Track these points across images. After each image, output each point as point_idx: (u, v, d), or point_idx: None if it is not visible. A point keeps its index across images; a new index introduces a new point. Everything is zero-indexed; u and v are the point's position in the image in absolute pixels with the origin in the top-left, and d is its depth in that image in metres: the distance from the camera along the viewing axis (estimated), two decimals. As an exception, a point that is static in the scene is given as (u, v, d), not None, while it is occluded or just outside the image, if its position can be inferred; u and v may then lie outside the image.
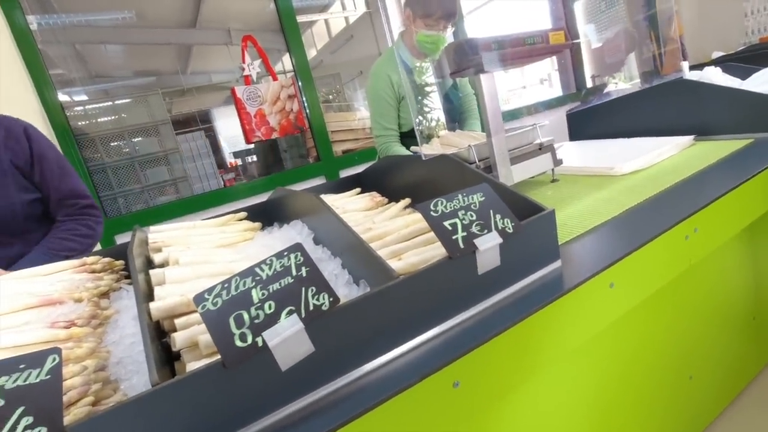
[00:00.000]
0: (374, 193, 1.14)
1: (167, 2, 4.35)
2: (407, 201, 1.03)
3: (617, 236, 0.94)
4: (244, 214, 1.16)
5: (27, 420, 0.43)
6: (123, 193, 2.41)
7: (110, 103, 2.39)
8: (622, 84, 1.69)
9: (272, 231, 1.00)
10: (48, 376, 0.46)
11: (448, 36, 1.74)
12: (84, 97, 2.99)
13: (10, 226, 1.18)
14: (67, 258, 1.20)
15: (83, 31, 3.53)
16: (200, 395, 0.51)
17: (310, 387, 0.59)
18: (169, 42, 5.27)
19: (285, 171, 2.90)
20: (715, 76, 1.50)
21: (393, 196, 1.17)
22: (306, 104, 2.69)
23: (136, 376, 0.64)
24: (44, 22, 2.49)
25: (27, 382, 0.45)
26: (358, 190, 1.22)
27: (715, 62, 2.29)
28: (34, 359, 0.47)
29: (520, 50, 1.08)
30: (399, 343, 0.66)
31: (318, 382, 0.60)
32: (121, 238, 2.31)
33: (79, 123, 2.31)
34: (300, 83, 2.67)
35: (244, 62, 2.49)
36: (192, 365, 0.57)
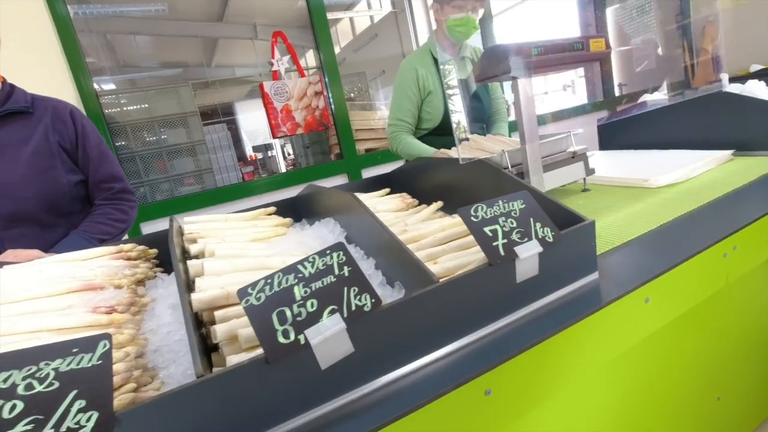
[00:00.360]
0: (405, 195, 1.14)
1: (198, -6, 4.41)
2: (439, 204, 1.02)
3: (654, 251, 0.92)
4: (273, 209, 1.16)
5: (80, 403, 0.44)
6: (149, 182, 2.45)
7: (142, 92, 2.43)
8: (658, 95, 1.65)
9: (304, 227, 1.00)
10: (99, 362, 0.47)
11: (478, 17, 1.75)
12: (112, 86, 3.05)
13: (58, 207, 1.22)
14: (102, 242, 1.22)
15: (114, 21, 3.60)
16: (242, 388, 0.52)
17: (346, 388, 0.59)
18: (196, 35, 5.35)
19: (307, 167, 2.92)
20: (758, 89, 1.46)
21: (422, 198, 1.17)
22: (332, 101, 2.70)
23: (173, 365, 0.65)
24: (80, 12, 2.55)
25: (80, 366, 0.46)
26: (388, 190, 1.21)
27: (757, 75, 2.23)
28: (87, 344, 0.47)
29: (559, 56, 1.07)
30: (434, 348, 0.65)
31: (353, 384, 0.60)
32: (146, 226, 2.35)
33: (110, 111, 2.36)
34: (327, 79, 2.68)
35: (273, 57, 2.51)
36: (232, 358, 0.58)
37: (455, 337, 0.67)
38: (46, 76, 1.85)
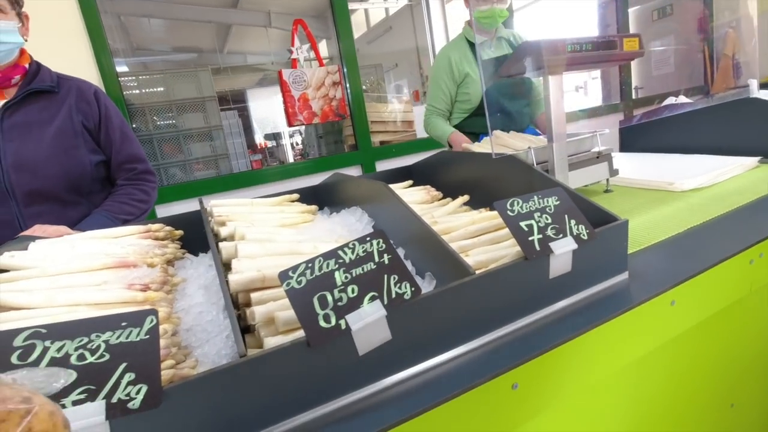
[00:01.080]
0: (429, 187, 1.14)
1: (214, -21, 4.40)
2: (466, 198, 1.02)
3: (681, 254, 0.91)
4: (297, 195, 1.16)
5: (129, 376, 0.45)
6: (165, 165, 2.46)
7: (161, 75, 2.43)
8: (684, 98, 1.64)
9: (331, 215, 1.00)
10: (147, 336, 0.47)
11: (505, 6, 1.81)
12: (125, 68, 3.06)
13: (81, 186, 1.22)
14: (124, 222, 1.23)
15: (130, 3, 3.60)
16: (282, 370, 0.52)
17: (380, 375, 0.59)
18: (210, 21, 5.34)
19: (321, 157, 2.92)
20: (786, 97, 1.44)
21: (445, 192, 1.17)
22: (349, 92, 2.69)
23: (206, 345, 0.66)
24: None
25: (128, 340, 0.47)
26: (411, 182, 1.21)
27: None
28: (135, 318, 0.48)
29: (593, 54, 1.06)
30: (467, 340, 0.65)
31: (388, 371, 0.60)
32: (161, 209, 2.36)
33: (129, 93, 2.36)
34: (345, 70, 2.67)
35: (293, 45, 2.50)
36: (269, 340, 0.58)
37: (487, 330, 0.67)
38: (70, 56, 1.85)
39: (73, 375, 0.41)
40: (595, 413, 0.90)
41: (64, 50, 1.85)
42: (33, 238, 0.84)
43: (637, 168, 1.59)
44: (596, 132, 1.30)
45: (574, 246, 0.70)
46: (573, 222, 0.73)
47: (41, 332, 0.44)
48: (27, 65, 1.18)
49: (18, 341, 0.43)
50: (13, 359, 0.42)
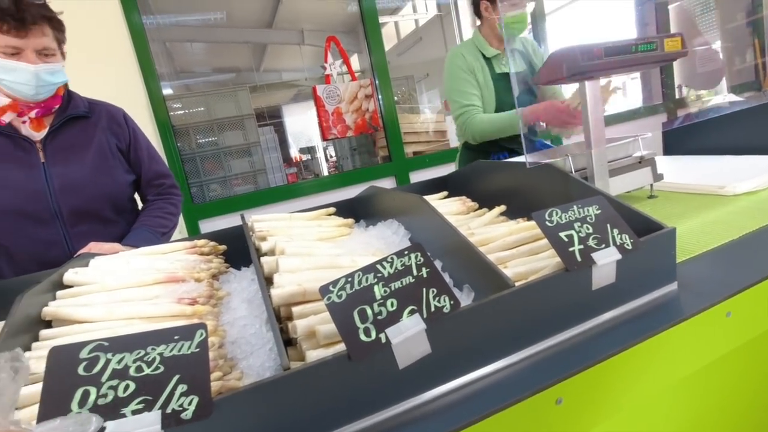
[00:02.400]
0: (464, 198, 1.13)
1: (251, 3, 4.61)
2: (502, 208, 1.01)
3: (737, 262, 0.86)
4: (333, 209, 1.19)
5: (182, 387, 0.47)
6: (207, 181, 2.57)
7: (203, 96, 2.56)
8: (733, 96, 1.55)
9: (368, 228, 1.02)
10: (197, 349, 0.50)
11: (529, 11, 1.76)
12: (169, 91, 3.23)
13: (119, 205, 1.31)
14: (163, 235, 1.30)
15: (174, 30, 3.82)
16: (324, 383, 0.53)
17: (421, 389, 0.59)
18: (248, 41, 5.58)
19: (355, 169, 2.96)
20: None
21: (481, 202, 1.16)
22: (381, 104, 2.73)
23: (251, 357, 0.68)
24: (148, 22, 2.72)
25: (180, 353, 0.49)
26: (446, 193, 1.21)
27: None
28: (186, 332, 0.50)
29: (631, 57, 1.03)
30: (508, 353, 0.64)
31: (428, 385, 0.60)
32: (204, 224, 2.46)
33: (173, 114, 2.49)
34: (377, 82, 2.71)
35: (326, 62, 2.57)
36: (311, 354, 0.60)
37: (529, 343, 0.66)
38: (122, 83, 1.99)
39: (101, 421, 0.42)
40: (646, 431, 0.86)
41: (117, 77, 1.98)
42: (92, 256, 0.90)
43: (684, 172, 1.52)
44: (638, 136, 1.25)
45: (618, 256, 0.68)
46: (616, 231, 0.70)
47: (104, 345, 0.47)
48: (62, 94, 1.26)
49: (84, 353, 0.46)
50: (80, 370, 0.45)
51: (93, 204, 1.25)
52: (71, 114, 1.25)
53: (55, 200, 1.19)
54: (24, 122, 1.18)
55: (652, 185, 1.31)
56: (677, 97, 3.89)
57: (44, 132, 1.21)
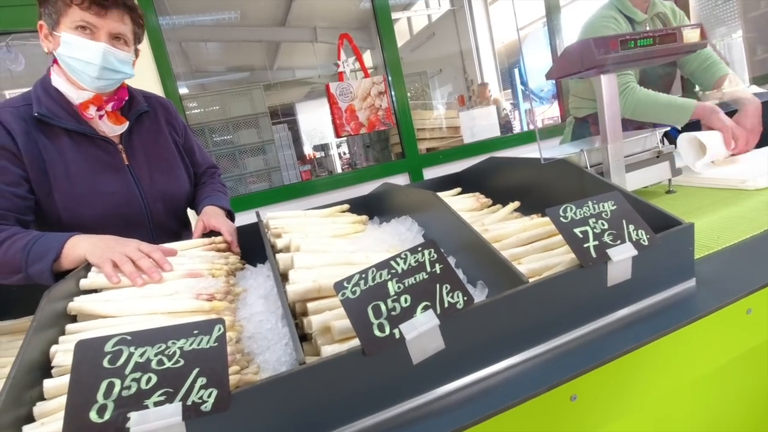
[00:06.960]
0: (478, 194, 1.13)
1: (264, 2, 4.65)
2: (516, 204, 1.01)
3: (758, 258, 0.84)
4: (347, 206, 1.20)
5: (202, 380, 0.48)
6: (223, 179, 2.60)
7: (218, 95, 2.59)
8: (755, 87, 1.51)
9: (381, 225, 1.03)
10: (216, 344, 0.51)
11: None
12: (185, 90, 3.28)
13: (180, 213, 1.27)
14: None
15: (189, 30, 3.88)
16: (339, 377, 0.54)
17: (435, 384, 0.60)
18: (261, 40, 5.62)
19: (368, 167, 2.97)
20: None
21: (495, 198, 1.15)
22: (394, 100, 2.72)
23: (267, 352, 0.69)
24: (164, 23, 2.76)
25: (200, 347, 0.50)
26: (459, 189, 1.21)
27: None
28: (205, 327, 0.52)
29: (650, 49, 1.01)
30: (522, 350, 0.64)
31: (442, 380, 0.60)
32: (219, 221, 2.49)
33: (189, 113, 2.53)
34: (390, 79, 2.71)
35: (339, 59, 2.58)
36: (326, 349, 0.61)
37: (543, 339, 0.66)
38: (140, 83, 2.02)
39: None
40: (662, 429, 0.85)
41: (134, 77, 2.02)
42: None
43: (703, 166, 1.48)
44: (655, 130, 1.23)
45: (634, 252, 0.67)
46: (632, 227, 0.70)
47: (127, 339, 0.49)
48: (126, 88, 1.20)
49: (108, 347, 0.48)
50: (105, 363, 0.47)
51: (174, 204, 1.22)
52: (140, 110, 1.19)
53: (146, 204, 1.15)
54: (101, 116, 1.10)
55: (670, 180, 1.28)
56: (696, 89, 3.79)
57: (124, 126, 1.14)
